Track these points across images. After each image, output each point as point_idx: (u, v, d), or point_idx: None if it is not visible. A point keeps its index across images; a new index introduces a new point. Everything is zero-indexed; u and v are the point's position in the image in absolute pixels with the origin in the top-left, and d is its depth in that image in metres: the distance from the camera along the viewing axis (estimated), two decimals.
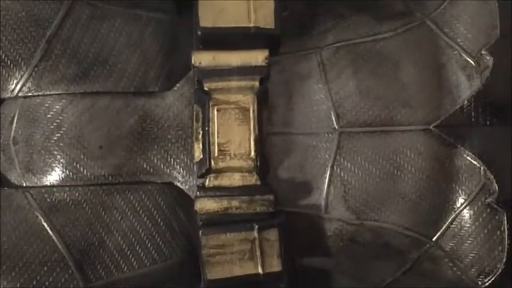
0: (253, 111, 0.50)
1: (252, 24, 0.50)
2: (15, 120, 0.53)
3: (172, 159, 0.53)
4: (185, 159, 0.53)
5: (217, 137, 0.50)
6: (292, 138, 0.52)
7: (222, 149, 0.50)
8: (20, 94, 0.53)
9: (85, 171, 0.52)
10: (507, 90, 0.53)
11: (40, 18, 0.52)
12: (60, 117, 0.52)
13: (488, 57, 0.51)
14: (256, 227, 0.50)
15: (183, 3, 0.55)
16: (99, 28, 0.53)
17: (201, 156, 0.50)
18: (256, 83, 0.50)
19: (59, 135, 0.52)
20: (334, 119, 0.52)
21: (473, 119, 0.53)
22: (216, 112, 0.50)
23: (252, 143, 0.50)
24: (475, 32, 0.52)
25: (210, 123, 0.50)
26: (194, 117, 0.51)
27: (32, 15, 0.52)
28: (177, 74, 0.54)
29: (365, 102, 0.52)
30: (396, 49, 0.53)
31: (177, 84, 0.53)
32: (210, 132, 0.50)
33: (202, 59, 0.51)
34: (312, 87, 0.52)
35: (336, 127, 0.52)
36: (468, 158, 0.52)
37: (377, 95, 0.52)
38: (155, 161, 0.53)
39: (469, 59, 0.52)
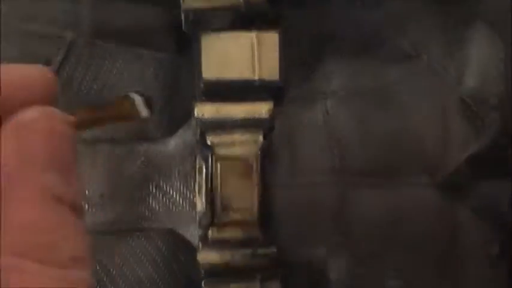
0: (257, 166, 0.49)
1: (256, 77, 0.49)
2: None
3: (174, 207, 0.52)
4: (187, 207, 0.52)
5: (220, 191, 0.50)
6: (296, 188, 0.51)
7: (225, 203, 0.50)
8: None
9: (86, 219, 0.51)
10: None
11: (39, 62, 0.51)
12: None
13: (495, 112, 0.50)
14: (259, 278, 0.50)
15: (184, 42, 0.54)
16: (99, 70, 0.52)
17: (204, 208, 0.50)
18: (260, 137, 0.50)
19: None
20: (338, 170, 0.51)
21: (476, 171, 0.52)
22: (219, 167, 0.49)
23: (255, 197, 0.50)
24: (484, 82, 0.51)
25: (213, 178, 0.49)
26: (197, 170, 0.50)
27: (31, 59, 0.51)
28: (179, 117, 0.53)
29: (370, 153, 0.51)
30: (403, 97, 0.52)
31: (179, 130, 0.52)
32: (213, 186, 0.49)
33: (205, 111, 0.50)
34: (317, 137, 0.52)
35: (340, 178, 0.51)
36: (470, 210, 0.52)
37: (382, 146, 0.51)
38: (157, 208, 0.52)
39: (476, 111, 0.51)
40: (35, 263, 0.21)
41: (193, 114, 0.50)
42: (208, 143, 0.50)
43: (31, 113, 0.23)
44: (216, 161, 0.49)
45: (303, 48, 0.54)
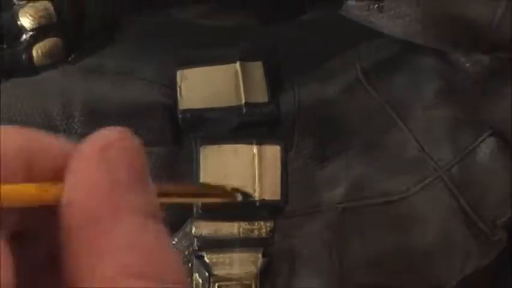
0: (256, 286, 0.48)
1: (257, 197, 0.47)
2: None
3: None
4: None
5: None
6: None
7: None
8: None
9: None
10: None
11: None
12: None
13: (502, 232, 0.49)
14: None
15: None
16: None
17: None
18: (260, 255, 0.48)
19: None
20: (337, 284, 0.50)
21: (481, 285, 0.51)
22: None
23: None
24: (491, 201, 0.50)
25: None
26: (194, 286, 0.49)
27: None
28: (174, 221, 0.51)
29: (370, 271, 0.50)
30: (407, 214, 0.50)
31: (175, 239, 0.50)
32: None
33: (203, 229, 0.48)
34: (318, 251, 0.50)
35: None
36: None
37: (383, 264, 0.50)
38: None
39: (482, 228, 0.50)
40: (158, 282, 0.20)
41: (191, 230, 0.49)
42: (206, 260, 0.49)
43: (113, 133, 0.22)
44: (214, 282, 0.48)
45: (308, 145, 0.52)
